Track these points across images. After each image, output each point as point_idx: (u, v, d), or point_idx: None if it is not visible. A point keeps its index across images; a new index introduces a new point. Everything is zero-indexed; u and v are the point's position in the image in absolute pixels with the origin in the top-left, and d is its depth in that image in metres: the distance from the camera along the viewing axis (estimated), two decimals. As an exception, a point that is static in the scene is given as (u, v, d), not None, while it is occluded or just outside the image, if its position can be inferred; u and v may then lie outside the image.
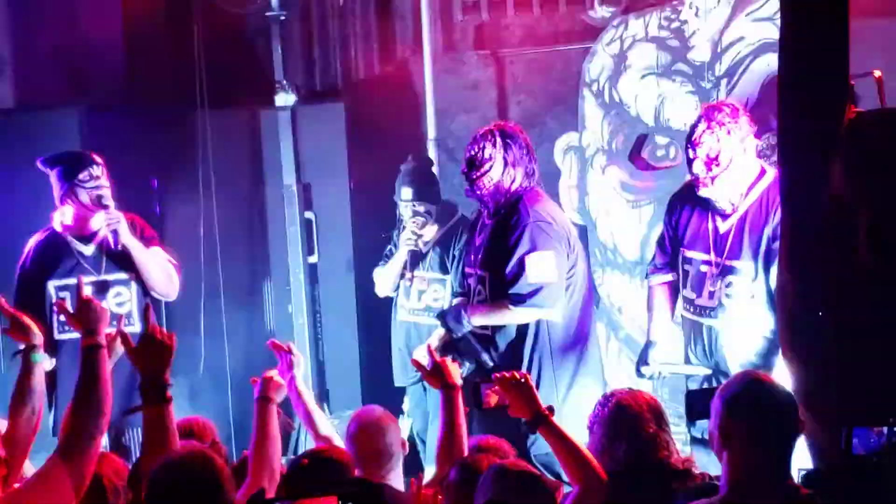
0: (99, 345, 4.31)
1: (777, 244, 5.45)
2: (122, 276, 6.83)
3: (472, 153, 6.30)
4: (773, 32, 7.46)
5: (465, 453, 4.96)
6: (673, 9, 8.00)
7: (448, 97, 8.75)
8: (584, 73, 8.30)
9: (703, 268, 6.21)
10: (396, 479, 5.06)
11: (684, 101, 7.90)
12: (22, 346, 4.72)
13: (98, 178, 6.72)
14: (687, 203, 6.29)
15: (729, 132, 6.01)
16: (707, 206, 6.18)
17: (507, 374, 4.75)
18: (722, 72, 7.82)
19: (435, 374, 5.26)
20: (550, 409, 4.64)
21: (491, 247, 6.33)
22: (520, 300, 6.19)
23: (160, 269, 6.85)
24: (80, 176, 6.71)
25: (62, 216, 6.81)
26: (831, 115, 4.44)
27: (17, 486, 4.19)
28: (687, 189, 6.31)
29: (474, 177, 6.29)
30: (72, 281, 6.54)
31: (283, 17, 8.71)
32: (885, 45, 6.90)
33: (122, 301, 6.82)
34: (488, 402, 4.87)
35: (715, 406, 3.92)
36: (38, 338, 4.72)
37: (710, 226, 6.20)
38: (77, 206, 6.76)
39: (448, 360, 5.34)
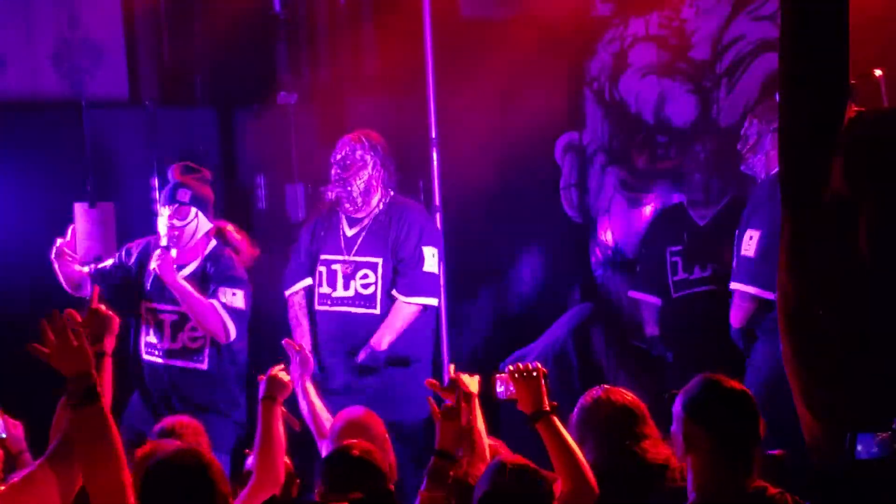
0: (103, 353, 4.17)
1: None
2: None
3: (342, 154, 6.77)
4: (773, 31, 7.46)
5: (487, 458, 4.76)
6: (673, 7, 8.01)
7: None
8: (584, 70, 8.30)
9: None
10: None
11: (684, 99, 7.91)
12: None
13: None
14: None
15: None
16: None
17: (520, 366, 4.63)
18: (722, 70, 7.82)
19: (451, 388, 5.01)
20: (554, 406, 4.56)
21: (378, 237, 6.72)
22: (412, 289, 6.68)
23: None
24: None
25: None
26: (831, 114, 4.43)
27: (2, 488, 4.17)
28: None
29: (346, 175, 6.73)
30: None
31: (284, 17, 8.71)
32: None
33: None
34: (500, 394, 4.72)
35: (676, 410, 3.89)
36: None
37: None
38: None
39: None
